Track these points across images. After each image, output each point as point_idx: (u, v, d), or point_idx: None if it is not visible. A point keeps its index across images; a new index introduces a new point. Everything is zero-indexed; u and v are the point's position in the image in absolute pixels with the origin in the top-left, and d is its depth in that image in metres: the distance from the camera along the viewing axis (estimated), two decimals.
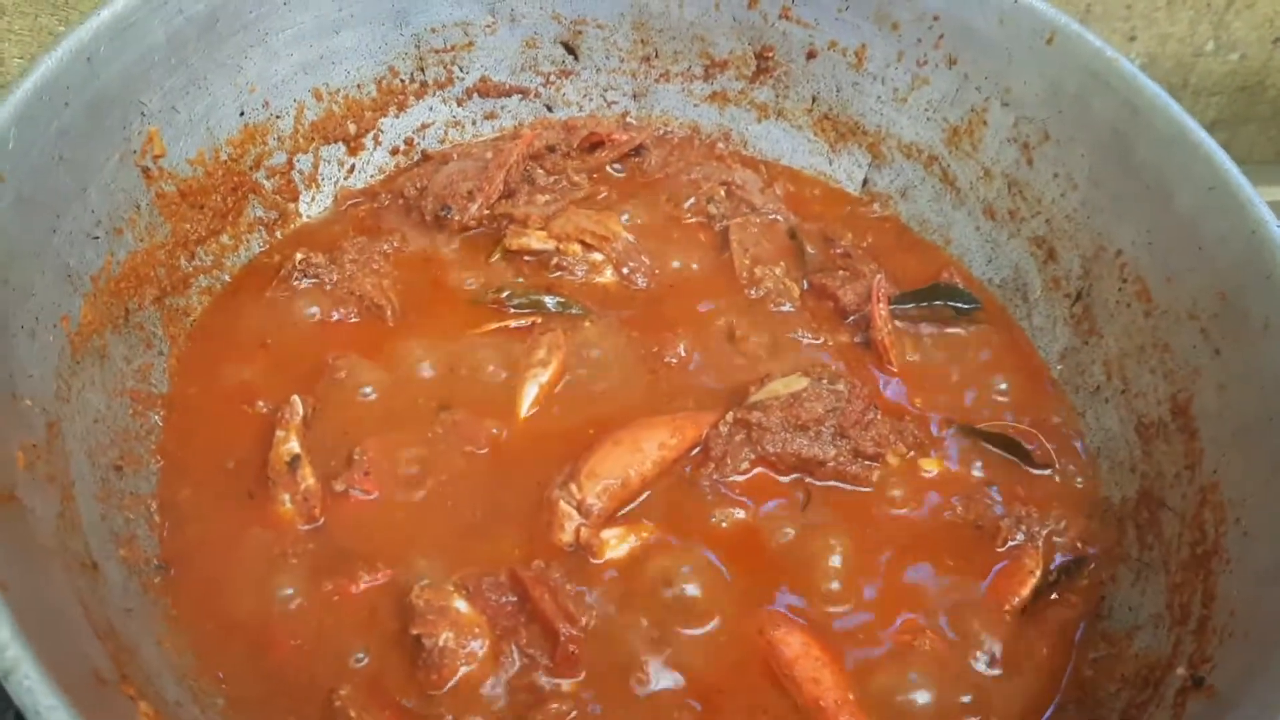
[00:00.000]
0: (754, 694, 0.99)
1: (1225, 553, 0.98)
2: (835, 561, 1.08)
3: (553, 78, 1.43)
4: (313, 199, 1.33)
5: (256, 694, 0.96)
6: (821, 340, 1.26)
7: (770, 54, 1.41)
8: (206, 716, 0.92)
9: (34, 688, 0.67)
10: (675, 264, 1.31)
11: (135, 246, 1.13)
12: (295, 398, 1.10)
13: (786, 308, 1.28)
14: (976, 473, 1.17)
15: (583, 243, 1.29)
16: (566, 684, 0.97)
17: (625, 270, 1.29)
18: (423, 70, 1.37)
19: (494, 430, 1.14)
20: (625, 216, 1.33)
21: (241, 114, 1.23)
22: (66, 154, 1.02)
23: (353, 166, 1.36)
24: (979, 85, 1.31)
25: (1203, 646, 0.95)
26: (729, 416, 1.14)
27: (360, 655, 0.98)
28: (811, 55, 1.40)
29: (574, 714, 0.96)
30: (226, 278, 1.24)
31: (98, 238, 1.08)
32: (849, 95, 1.41)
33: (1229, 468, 1.03)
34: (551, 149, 1.38)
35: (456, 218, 1.30)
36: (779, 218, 1.37)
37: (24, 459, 0.89)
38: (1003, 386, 1.25)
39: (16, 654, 0.69)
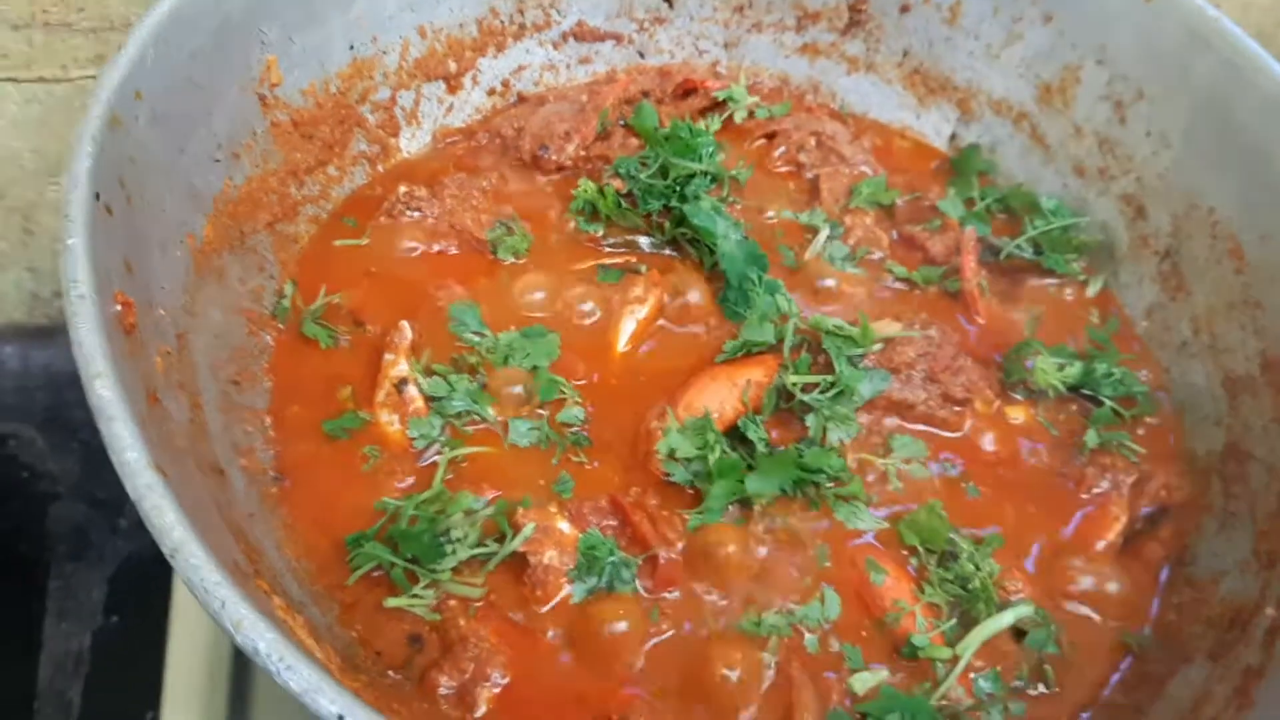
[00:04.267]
0: (848, 618, 1.02)
1: None
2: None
3: (647, 24, 1.45)
4: (413, 135, 1.36)
5: (370, 602, 1.00)
6: (910, 289, 1.28)
7: (863, 6, 1.42)
8: (326, 620, 0.97)
9: (200, 565, 0.71)
10: (767, 211, 1.33)
11: (251, 172, 1.16)
12: (404, 322, 1.14)
13: (876, 256, 1.30)
14: (1062, 422, 1.19)
15: None
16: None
17: None
18: (522, 12, 1.39)
19: (592, 364, 1.17)
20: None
21: (351, 48, 1.26)
22: (196, 77, 1.06)
23: (451, 105, 1.39)
24: (1074, 42, 1.32)
25: None
26: (821, 359, 1.17)
27: None
28: (905, 9, 1.41)
29: (670, 632, 1.00)
30: (331, 207, 1.27)
31: (219, 160, 1.11)
32: (941, 50, 1.42)
33: None
34: (645, 94, 1.40)
35: (554, 158, 1.32)
36: (868, 169, 1.38)
37: (162, 364, 0.93)
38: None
39: (182, 535, 0.72)
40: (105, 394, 0.77)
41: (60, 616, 1.58)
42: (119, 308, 0.86)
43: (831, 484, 1.09)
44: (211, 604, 0.70)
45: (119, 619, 1.57)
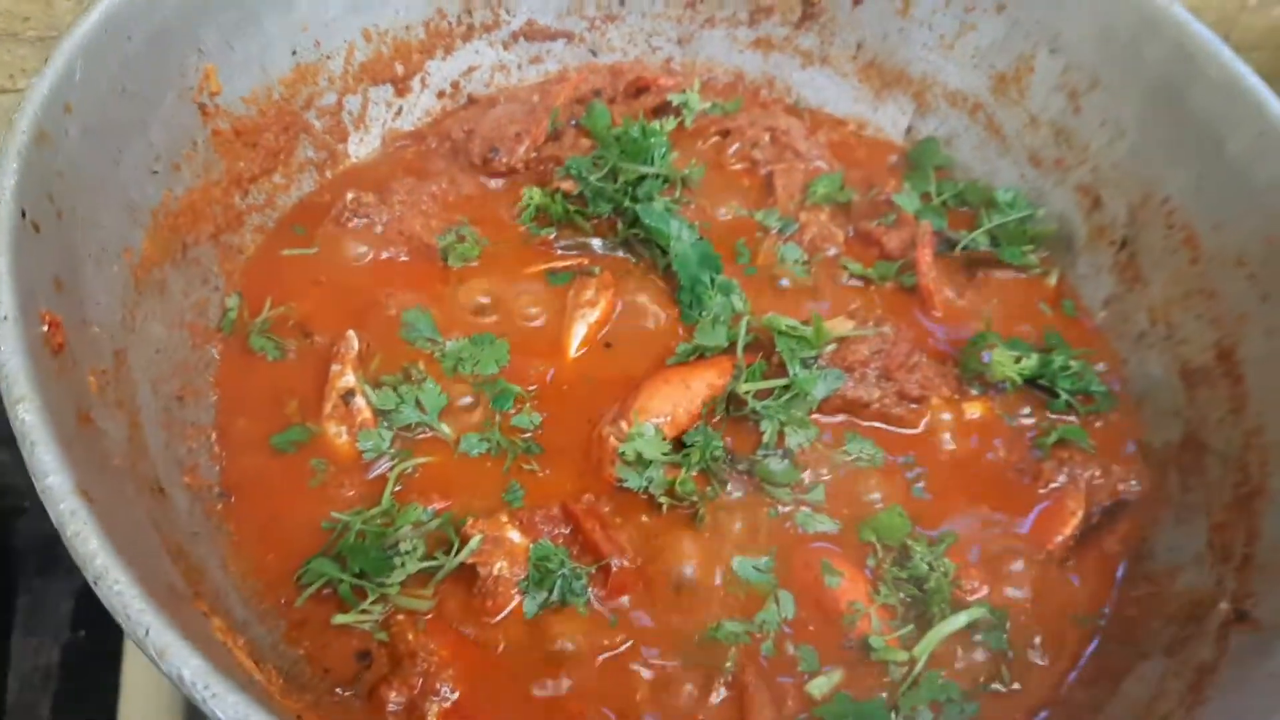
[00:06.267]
0: (803, 620, 1.01)
1: (1270, 493, 1.00)
2: (876, 500, 1.10)
3: (598, 22, 1.43)
4: (361, 140, 1.34)
5: (318, 619, 0.98)
6: (866, 285, 1.27)
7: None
8: (272, 638, 0.95)
9: (124, 592, 0.70)
10: (720, 209, 1.32)
11: (192, 183, 1.14)
12: (351, 332, 1.12)
13: (831, 252, 1.29)
14: (1020, 416, 1.18)
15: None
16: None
17: None
18: (470, 13, 1.37)
19: (544, 369, 1.16)
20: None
21: (294, 53, 1.24)
22: (129, 87, 1.04)
23: (400, 109, 1.37)
24: (1028, 32, 1.31)
25: (1246, 583, 0.96)
26: (775, 358, 1.15)
27: None
28: (857, 1, 1.39)
29: (625, 643, 0.99)
30: (278, 216, 1.25)
31: (157, 172, 1.09)
32: (895, 42, 1.40)
33: (1275, 411, 1.04)
34: (597, 93, 1.39)
35: (504, 160, 1.31)
36: (823, 164, 1.37)
37: (96, 383, 0.91)
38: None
39: (105, 562, 0.71)
40: (28, 418, 0.76)
41: (28, 631, 1.56)
42: (46, 328, 0.85)
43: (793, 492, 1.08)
44: (136, 631, 0.69)
45: (87, 633, 1.56)
